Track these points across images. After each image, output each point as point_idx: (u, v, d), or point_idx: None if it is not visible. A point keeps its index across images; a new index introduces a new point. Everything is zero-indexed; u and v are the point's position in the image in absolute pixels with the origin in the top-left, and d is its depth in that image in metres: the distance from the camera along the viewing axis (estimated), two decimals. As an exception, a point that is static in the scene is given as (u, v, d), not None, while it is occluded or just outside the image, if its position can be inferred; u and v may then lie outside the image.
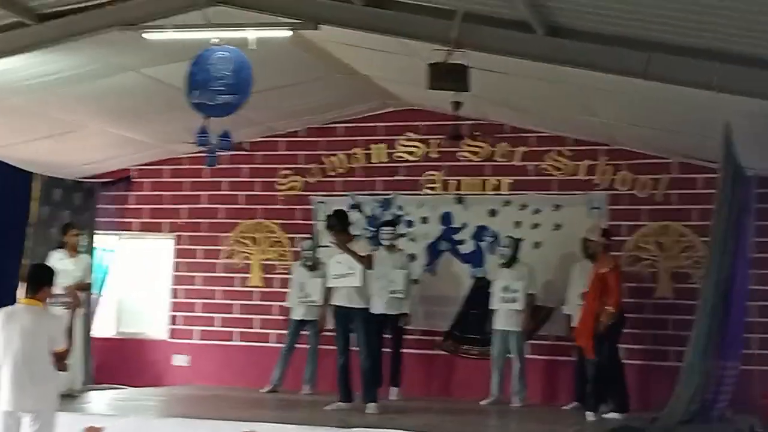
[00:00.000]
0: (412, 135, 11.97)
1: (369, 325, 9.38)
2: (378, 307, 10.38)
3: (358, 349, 9.28)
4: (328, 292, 9.66)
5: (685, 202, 10.92)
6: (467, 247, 11.64)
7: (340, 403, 9.15)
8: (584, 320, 9.33)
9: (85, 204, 12.52)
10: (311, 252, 11.31)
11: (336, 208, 10.09)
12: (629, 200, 11.13)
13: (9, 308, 6.67)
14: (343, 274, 9.21)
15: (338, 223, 9.34)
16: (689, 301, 10.18)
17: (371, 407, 8.98)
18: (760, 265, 10.14)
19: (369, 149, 12.09)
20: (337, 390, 9.30)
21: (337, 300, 9.34)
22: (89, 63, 8.96)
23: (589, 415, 9.01)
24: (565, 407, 10.15)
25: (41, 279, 6.77)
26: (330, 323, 11.06)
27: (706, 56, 6.98)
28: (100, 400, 10.03)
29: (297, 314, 11.19)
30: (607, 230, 9.84)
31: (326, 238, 9.46)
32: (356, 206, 11.81)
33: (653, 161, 11.08)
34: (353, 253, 9.13)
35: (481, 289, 11.18)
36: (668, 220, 11.00)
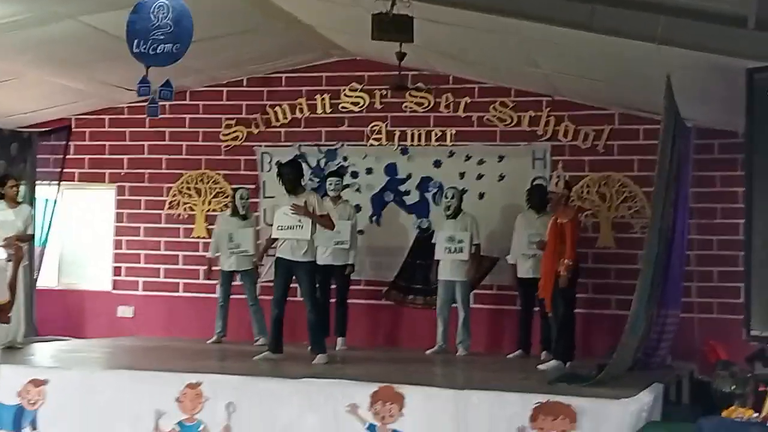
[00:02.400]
0: (356, 85, 11.92)
1: (313, 278, 9.35)
2: (323, 258, 10.42)
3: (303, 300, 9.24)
4: (268, 242, 9.63)
5: (626, 153, 11.03)
6: (412, 198, 11.68)
7: (269, 353, 9.10)
8: (545, 274, 9.31)
9: (23, 154, 12.31)
10: (245, 201, 11.22)
11: (289, 158, 10.09)
12: (571, 151, 11.22)
13: (-51, 261, 6.58)
14: (290, 226, 9.07)
15: (291, 172, 9.27)
16: (630, 251, 10.41)
17: (320, 358, 9.00)
18: (699, 215, 10.33)
19: (313, 99, 12.02)
20: (271, 339, 9.27)
21: (281, 252, 9.22)
22: (26, 11, 8.76)
23: (554, 364, 9.06)
24: (509, 355, 10.29)
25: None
26: (268, 274, 11.09)
27: (650, 8, 7.02)
28: (43, 352, 9.95)
29: (227, 265, 11.11)
30: (568, 181, 9.79)
31: (284, 198, 9.30)
32: (301, 157, 11.76)
33: (595, 112, 11.16)
34: (318, 217, 9.07)
35: (426, 240, 11.23)
36: (610, 171, 11.11)
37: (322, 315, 9.40)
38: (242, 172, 12.13)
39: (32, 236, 10.73)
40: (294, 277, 9.24)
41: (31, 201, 11.95)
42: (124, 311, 12.43)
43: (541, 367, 9.09)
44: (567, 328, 9.34)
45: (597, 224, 11.10)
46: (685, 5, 6.89)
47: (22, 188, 10.92)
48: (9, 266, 8.90)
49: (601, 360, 8.19)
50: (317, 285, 9.67)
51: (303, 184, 9.53)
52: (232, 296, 11.20)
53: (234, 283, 11.20)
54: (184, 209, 12.35)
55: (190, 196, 12.35)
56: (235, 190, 11.35)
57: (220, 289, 11.22)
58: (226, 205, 12.06)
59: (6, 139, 12.10)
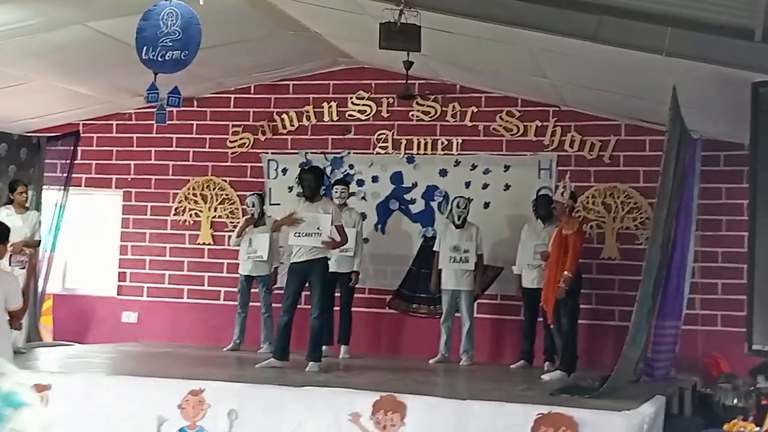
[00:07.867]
0: (363, 94, 11.94)
1: (326, 280, 9.25)
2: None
3: (309, 307, 9.13)
4: (284, 249, 9.54)
5: (632, 164, 11.04)
6: (417, 207, 11.69)
7: (274, 360, 8.93)
8: (548, 285, 9.29)
9: (32, 158, 12.35)
10: (252, 208, 11.20)
11: (313, 165, 10.11)
12: (577, 161, 11.22)
13: (-38, 266, 6.61)
14: (308, 233, 8.98)
15: (314, 179, 9.16)
16: (635, 262, 10.34)
17: (313, 366, 8.86)
18: (705, 227, 10.30)
19: (320, 107, 12.05)
20: (277, 346, 9.12)
21: (295, 258, 9.13)
22: (35, 16, 8.81)
23: (557, 375, 9.04)
24: (512, 366, 10.28)
25: (-6, 236, 6.70)
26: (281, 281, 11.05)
27: (657, 20, 7.04)
28: (47, 357, 9.96)
29: (245, 270, 11.07)
30: (573, 192, 9.80)
31: (299, 203, 9.25)
32: (307, 164, 11.77)
33: (602, 123, 11.17)
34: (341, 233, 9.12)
35: (431, 249, 11.22)
36: (616, 182, 11.11)
37: (326, 323, 9.33)
38: (248, 179, 12.15)
39: (39, 242, 10.75)
40: (307, 284, 9.16)
41: (39, 206, 11.98)
42: (129, 317, 12.44)
43: (544, 377, 9.08)
44: (570, 339, 9.33)
45: (602, 235, 11.09)
46: (692, 17, 6.90)
47: (29, 193, 10.97)
48: (22, 273, 8.96)
49: (605, 371, 8.18)
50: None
51: (322, 192, 9.46)
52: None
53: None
54: (190, 215, 12.37)
55: (196, 202, 12.37)
56: (247, 196, 11.38)
57: (238, 295, 11.18)
58: (231, 212, 12.09)
59: (15, 143, 12.13)
